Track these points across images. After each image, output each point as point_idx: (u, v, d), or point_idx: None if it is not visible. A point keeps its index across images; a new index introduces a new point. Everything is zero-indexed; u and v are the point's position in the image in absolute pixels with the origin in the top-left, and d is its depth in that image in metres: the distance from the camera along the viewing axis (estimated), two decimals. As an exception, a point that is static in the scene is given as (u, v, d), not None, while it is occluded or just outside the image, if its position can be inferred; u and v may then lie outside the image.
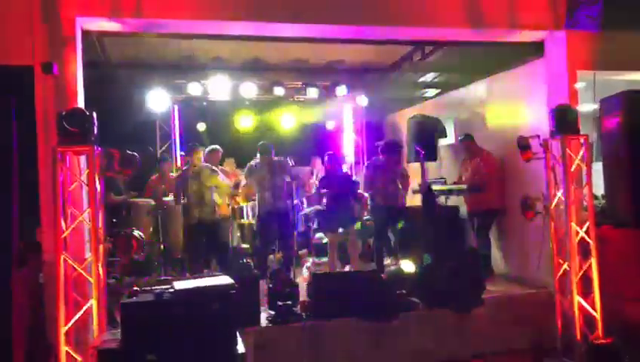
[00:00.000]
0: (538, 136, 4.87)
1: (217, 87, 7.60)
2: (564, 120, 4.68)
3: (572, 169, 4.72)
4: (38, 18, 4.33)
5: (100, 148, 3.97)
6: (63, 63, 4.37)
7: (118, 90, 8.04)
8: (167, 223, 6.34)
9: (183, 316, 3.08)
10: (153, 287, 3.32)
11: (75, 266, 3.85)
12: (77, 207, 4.05)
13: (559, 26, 4.96)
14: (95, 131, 3.90)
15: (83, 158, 4.09)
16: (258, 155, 6.44)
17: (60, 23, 4.39)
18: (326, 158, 6.58)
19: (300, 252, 7.50)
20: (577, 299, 4.63)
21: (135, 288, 3.28)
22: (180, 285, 3.26)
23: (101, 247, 3.94)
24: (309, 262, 7.01)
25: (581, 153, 4.74)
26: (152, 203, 6.39)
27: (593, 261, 4.67)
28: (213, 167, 6.39)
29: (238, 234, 7.62)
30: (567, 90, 5.30)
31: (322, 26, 5.15)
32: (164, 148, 8.48)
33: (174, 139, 8.42)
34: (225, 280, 3.35)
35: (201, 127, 8.71)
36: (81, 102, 4.53)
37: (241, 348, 3.19)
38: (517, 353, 5.07)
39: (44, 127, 4.25)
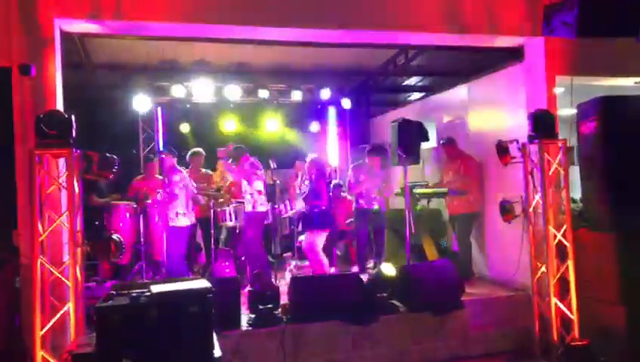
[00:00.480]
0: (517, 141, 4.94)
1: (201, 90, 7.56)
2: (542, 124, 4.75)
3: (550, 173, 4.79)
4: (16, 19, 4.28)
5: (78, 151, 3.93)
6: (42, 65, 4.32)
7: (101, 92, 7.99)
8: (149, 225, 6.30)
9: (158, 319, 3.07)
10: (130, 290, 3.30)
11: (52, 270, 3.82)
12: (55, 210, 4.01)
13: (537, 32, 5.03)
14: (74, 134, 3.86)
15: (61, 161, 4.04)
16: (231, 160, 6.37)
17: (39, 24, 4.33)
18: (306, 165, 6.37)
19: (283, 255, 7.49)
20: (554, 301, 4.70)
21: (111, 291, 3.26)
22: (157, 288, 3.25)
23: (79, 251, 3.91)
24: (292, 264, 7.01)
25: (559, 157, 4.82)
26: (134, 205, 6.34)
27: (570, 264, 4.74)
28: (181, 169, 6.43)
29: (223, 236, 7.58)
30: (545, 94, 5.38)
31: (307, 30, 5.15)
32: (148, 149, 8.43)
33: (157, 141, 8.37)
34: (202, 283, 3.35)
35: (185, 128, 8.67)
36: (60, 104, 4.47)
37: (217, 351, 3.19)
38: (497, 355, 5.12)
39: (22, 129, 4.20)
